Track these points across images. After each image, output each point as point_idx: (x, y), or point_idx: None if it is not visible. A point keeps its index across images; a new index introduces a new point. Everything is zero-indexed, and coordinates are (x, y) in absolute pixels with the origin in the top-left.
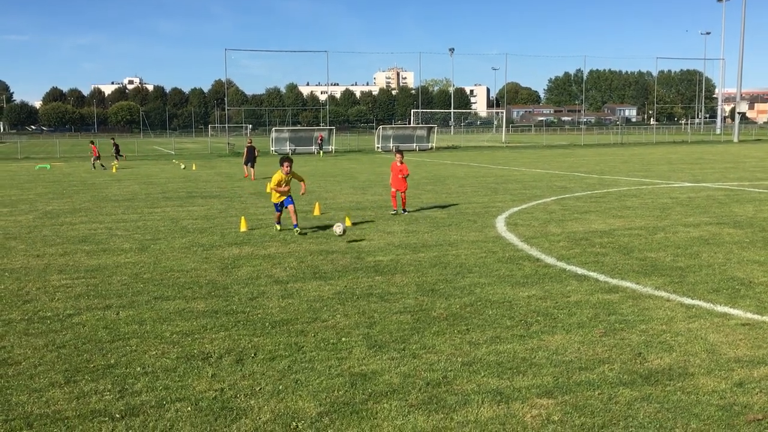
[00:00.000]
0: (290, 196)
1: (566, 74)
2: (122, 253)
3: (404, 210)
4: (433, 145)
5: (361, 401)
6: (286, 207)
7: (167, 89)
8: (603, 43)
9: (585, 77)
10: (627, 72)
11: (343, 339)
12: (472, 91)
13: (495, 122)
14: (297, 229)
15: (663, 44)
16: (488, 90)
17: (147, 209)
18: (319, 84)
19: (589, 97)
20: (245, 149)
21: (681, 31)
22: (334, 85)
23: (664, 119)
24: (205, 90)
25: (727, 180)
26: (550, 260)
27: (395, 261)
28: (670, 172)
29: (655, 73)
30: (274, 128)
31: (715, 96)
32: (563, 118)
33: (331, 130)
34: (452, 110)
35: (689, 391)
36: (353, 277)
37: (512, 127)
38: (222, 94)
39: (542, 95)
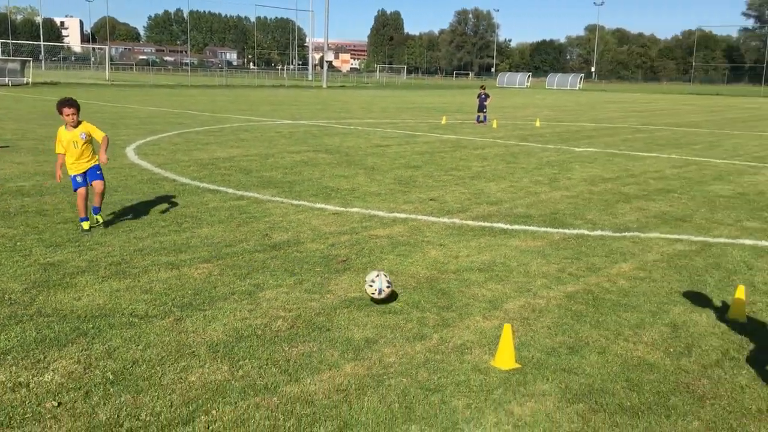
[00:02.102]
0: (98, 166)
1: (167, 13)
2: None
3: None
4: (29, 80)
5: (58, 279)
6: (91, 183)
7: None
8: None
9: (187, 17)
10: (227, 16)
11: (18, 243)
12: (62, 23)
13: (93, 59)
14: (99, 215)
15: None
16: (81, 23)
17: None
18: None
19: (191, 38)
20: None
21: None
22: None
23: (263, 64)
24: None
25: (318, 118)
26: (185, 180)
27: (37, 186)
28: (273, 111)
29: (253, 19)
30: None
31: (306, 44)
32: (166, 58)
33: None
34: (42, 42)
35: (301, 251)
36: None
37: (112, 65)
38: None
39: (142, 33)
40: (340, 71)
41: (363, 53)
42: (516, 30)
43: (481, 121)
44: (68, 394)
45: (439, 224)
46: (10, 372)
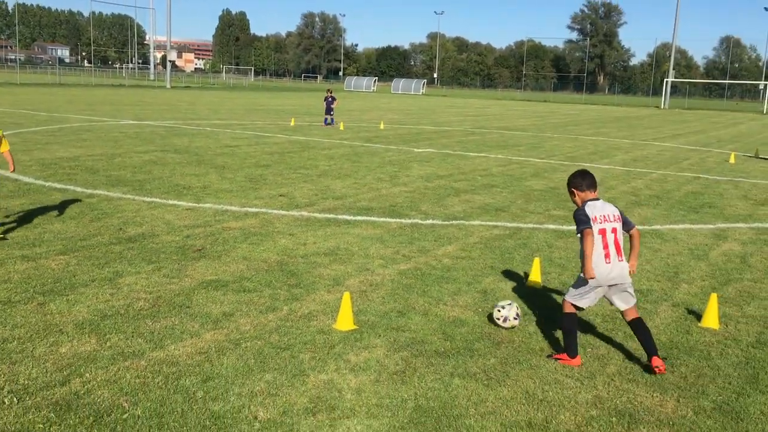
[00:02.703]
0: None
1: None
2: None
3: None
4: None
5: None
6: None
7: None
8: None
9: (12, 11)
10: (58, 10)
11: None
12: None
13: None
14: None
15: None
16: None
17: None
18: None
19: (17, 33)
20: None
21: None
22: None
23: (99, 62)
24: None
25: (164, 119)
26: (28, 180)
27: None
28: (115, 111)
29: (87, 14)
30: None
31: (146, 42)
32: None
33: None
34: None
35: (157, 242)
36: None
37: None
38: None
39: None
40: (184, 71)
41: (208, 53)
42: (362, 35)
43: (329, 124)
44: None
45: (289, 217)
46: None
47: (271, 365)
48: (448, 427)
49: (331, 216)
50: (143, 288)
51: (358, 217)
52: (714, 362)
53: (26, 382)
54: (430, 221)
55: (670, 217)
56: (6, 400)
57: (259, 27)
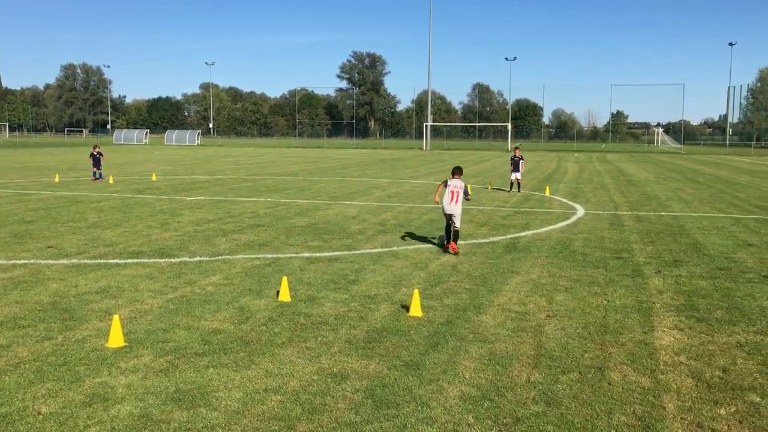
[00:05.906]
0: None
1: None
2: None
3: None
4: None
5: None
6: None
7: None
8: None
9: None
10: None
11: None
12: None
13: None
14: None
15: None
16: None
17: None
18: None
19: None
20: None
21: None
22: None
23: None
24: None
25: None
26: None
27: None
28: None
29: None
30: None
31: None
32: None
33: None
34: None
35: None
36: None
37: None
38: None
39: None
40: None
41: None
42: (131, 86)
43: (98, 178)
44: None
45: (59, 265)
46: None
47: (50, 377)
48: (201, 399)
49: (102, 261)
50: None
51: (129, 260)
52: (411, 337)
53: None
54: (197, 258)
55: (407, 241)
56: None
57: (12, 80)
